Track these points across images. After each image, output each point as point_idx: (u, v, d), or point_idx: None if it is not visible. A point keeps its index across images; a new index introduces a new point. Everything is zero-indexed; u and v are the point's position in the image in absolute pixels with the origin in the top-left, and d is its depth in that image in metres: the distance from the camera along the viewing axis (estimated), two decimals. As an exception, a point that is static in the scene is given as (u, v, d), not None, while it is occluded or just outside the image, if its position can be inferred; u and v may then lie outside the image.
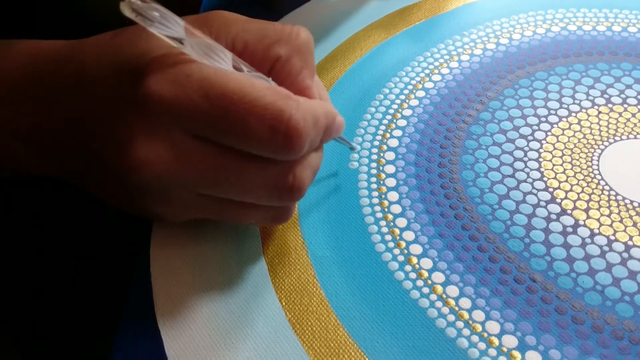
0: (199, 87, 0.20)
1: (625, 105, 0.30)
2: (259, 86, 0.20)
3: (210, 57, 0.21)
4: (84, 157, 0.23)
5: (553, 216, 0.26)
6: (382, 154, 0.29)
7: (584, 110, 0.30)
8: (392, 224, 0.26)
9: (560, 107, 0.31)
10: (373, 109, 0.32)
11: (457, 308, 0.23)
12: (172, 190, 0.22)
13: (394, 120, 0.31)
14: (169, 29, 0.20)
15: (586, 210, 0.26)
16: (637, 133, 0.29)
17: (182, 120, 0.20)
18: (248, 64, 0.22)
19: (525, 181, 0.27)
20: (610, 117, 0.30)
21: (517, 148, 0.29)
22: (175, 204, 0.23)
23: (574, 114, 0.30)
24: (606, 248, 0.25)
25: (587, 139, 0.29)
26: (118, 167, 0.21)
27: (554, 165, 0.28)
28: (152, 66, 0.21)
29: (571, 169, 0.28)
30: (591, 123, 0.30)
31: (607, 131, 0.29)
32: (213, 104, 0.20)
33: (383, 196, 0.28)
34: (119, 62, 0.22)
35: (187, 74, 0.20)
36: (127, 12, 0.19)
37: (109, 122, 0.21)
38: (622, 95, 0.31)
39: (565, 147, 0.29)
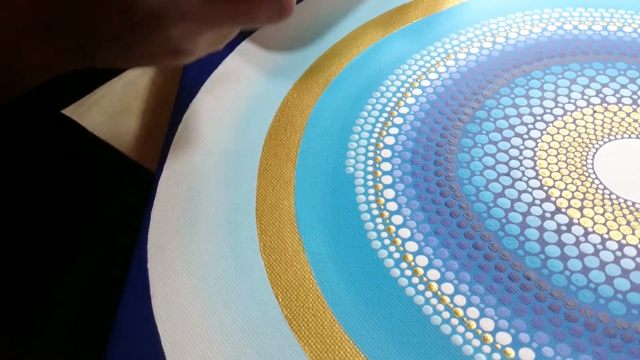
0: None
1: (620, 105, 0.30)
2: None
3: None
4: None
5: (547, 214, 0.26)
6: (378, 152, 0.30)
7: (579, 110, 0.31)
8: (388, 221, 0.27)
9: (556, 106, 0.31)
10: (370, 107, 0.32)
11: (452, 305, 0.23)
12: (185, 1, 0.22)
13: (391, 118, 0.31)
14: None
15: (580, 209, 0.26)
16: (632, 132, 0.29)
17: None
18: None
19: (520, 179, 0.28)
20: (605, 117, 0.30)
21: (512, 147, 0.29)
22: (189, 21, 0.23)
23: (569, 113, 0.30)
24: (600, 246, 0.25)
25: (582, 138, 0.29)
26: None
27: (549, 164, 0.28)
28: None
29: (566, 167, 0.28)
30: (586, 122, 0.30)
31: (601, 130, 0.29)
32: None
33: (379, 194, 0.28)
34: None
35: None
36: None
37: None
38: (617, 95, 0.31)
39: (560, 146, 0.29)
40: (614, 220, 0.26)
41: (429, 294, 0.24)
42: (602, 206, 0.26)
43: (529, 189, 0.27)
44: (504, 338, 0.22)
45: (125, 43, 0.24)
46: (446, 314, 0.23)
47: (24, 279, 0.34)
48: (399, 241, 0.26)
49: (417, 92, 0.33)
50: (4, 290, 0.33)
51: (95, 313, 0.29)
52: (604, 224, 0.26)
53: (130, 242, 0.27)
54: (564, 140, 0.29)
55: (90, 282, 0.32)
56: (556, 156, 0.28)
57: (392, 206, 0.27)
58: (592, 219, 0.26)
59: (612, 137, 0.29)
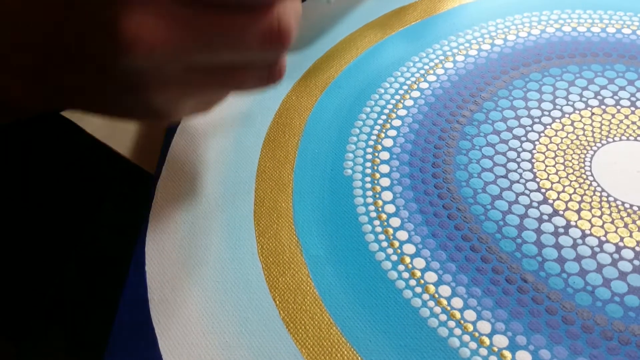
0: None
1: (618, 107, 0.30)
2: None
3: None
4: (71, 56, 0.22)
5: (545, 217, 0.26)
6: (376, 154, 0.30)
7: (577, 112, 0.31)
8: (385, 223, 0.27)
9: (554, 109, 0.31)
10: (368, 109, 0.32)
11: (449, 307, 0.24)
12: (166, 67, 0.21)
13: (389, 121, 0.31)
14: None
15: (578, 212, 0.26)
16: (630, 135, 0.29)
17: None
18: None
19: (518, 182, 0.28)
20: (603, 119, 0.30)
21: (510, 149, 0.29)
22: (172, 87, 0.22)
23: (567, 115, 0.30)
24: (597, 249, 0.25)
25: (580, 141, 0.29)
26: (110, 51, 0.20)
27: (546, 166, 0.28)
28: None
29: (564, 170, 0.28)
30: (584, 124, 0.30)
31: (599, 133, 0.29)
32: None
33: (377, 196, 0.28)
34: None
35: None
36: None
37: (93, 5, 0.21)
38: (615, 97, 0.31)
39: (558, 149, 0.29)
40: (612, 222, 0.26)
41: (426, 296, 0.24)
42: (600, 208, 0.26)
43: (527, 191, 0.27)
44: (501, 341, 0.22)
45: (101, 99, 0.23)
46: (443, 317, 0.23)
47: (24, 280, 0.34)
48: (396, 243, 0.26)
49: (416, 94, 0.33)
50: (4, 292, 0.33)
51: (94, 315, 0.29)
52: (602, 227, 0.26)
53: (129, 244, 0.27)
54: (562, 142, 0.29)
55: (88, 284, 0.32)
56: (554, 158, 0.28)
57: (390, 208, 0.27)
58: (589, 221, 0.26)
59: (610, 140, 0.29)
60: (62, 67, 0.23)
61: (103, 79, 0.22)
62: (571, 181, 0.27)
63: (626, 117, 0.30)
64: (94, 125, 0.35)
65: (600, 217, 0.26)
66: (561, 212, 0.26)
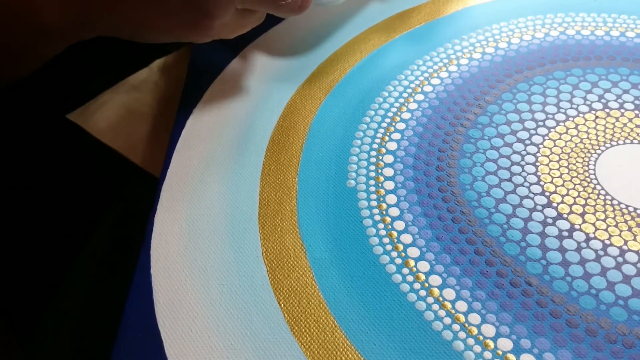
0: None
1: (622, 110, 0.31)
2: None
3: None
4: None
5: (549, 220, 0.26)
6: (380, 157, 0.30)
7: (581, 115, 0.31)
8: (390, 226, 0.27)
9: (558, 112, 0.31)
10: (372, 112, 0.32)
11: (453, 311, 0.24)
12: None
13: (393, 124, 0.31)
14: None
15: (582, 215, 0.26)
16: (634, 138, 0.29)
17: None
18: None
19: (522, 185, 0.28)
20: (607, 122, 0.30)
21: (514, 152, 0.29)
22: None
23: (571, 119, 0.30)
24: (601, 252, 0.25)
25: (584, 144, 0.29)
26: None
27: (550, 169, 0.28)
28: None
29: (568, 173, 0.28)
30: (588, 128, 0.30)
31: (603, 136, 0.29)
32: None
33: (381, 199, 0.28)
34: None
35: None
36: None
37: None
38: (619, 100, 0.31)
39: (562, 152, 0.29)
40: (616, 226, 0.26)
41: (430, 299, 0.24)
42: (604, 212, 0.26)
43: (531, 195, 0.27)
44: (505, 344, 0.22)
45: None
46: (447, 320, 0.23)
47: (30, 282, 0.34)
48: (400, 247, 0.26)
49: (420, 97, 0.33)
50: (11, 293, 0.33)
51: (100, 318, 0.29)
52: (606, 230, 0.26)
53: (134, 247, 0.28)
54: (566, 145, 0.29)
55: (94, 286, 0.33)
56: (558, 162, 0.28)
57: (394, 212, 0.27)
58: (593, 224, 0.26)
59: (614, 143, 0.29)
60: None
61: None
62: (575, 184, 0.27)
63: (630, 120, 0.30)
64: (100, 128, 0.36)
65: (604, 220, 0.26)
66: (565, 216, 0.26)
